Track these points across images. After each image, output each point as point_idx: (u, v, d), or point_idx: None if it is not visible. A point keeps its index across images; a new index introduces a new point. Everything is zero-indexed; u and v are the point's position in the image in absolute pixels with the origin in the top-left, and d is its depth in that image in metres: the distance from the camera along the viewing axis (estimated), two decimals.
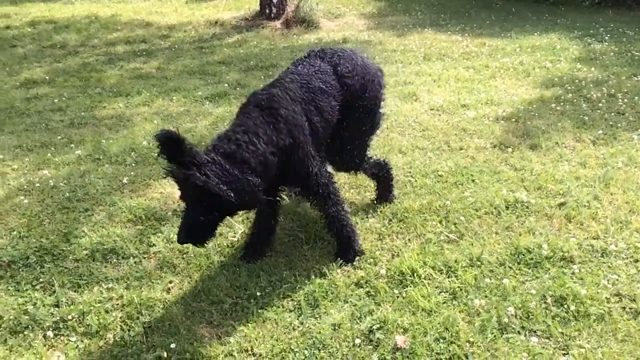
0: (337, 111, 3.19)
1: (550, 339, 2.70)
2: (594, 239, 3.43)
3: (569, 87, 6.00)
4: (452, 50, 7.66)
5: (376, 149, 4.62)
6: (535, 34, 8.42)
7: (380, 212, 3.73)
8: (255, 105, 2.90)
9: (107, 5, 11.17)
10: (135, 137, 4.94)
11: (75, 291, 3.07)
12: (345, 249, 3.28)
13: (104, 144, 4.80)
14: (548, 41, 7.95)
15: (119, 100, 5.99)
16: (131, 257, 3.34)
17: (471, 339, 2.69)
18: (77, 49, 8.22)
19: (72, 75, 6.91)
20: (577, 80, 6.20)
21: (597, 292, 2.95)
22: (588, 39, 8.04)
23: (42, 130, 5.22)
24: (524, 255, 3.27)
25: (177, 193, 3.91)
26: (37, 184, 4.15)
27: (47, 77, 6.83)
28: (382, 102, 3.44)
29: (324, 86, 3.11)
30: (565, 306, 2.87)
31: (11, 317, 2.87)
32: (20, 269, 3.25)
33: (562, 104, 5.55)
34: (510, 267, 3.19)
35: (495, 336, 2.71)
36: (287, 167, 2.93)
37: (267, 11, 9.61)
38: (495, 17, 9.83)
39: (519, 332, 2.74)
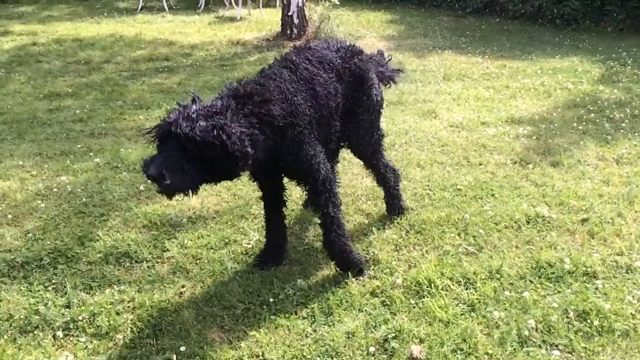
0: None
1: (573, 353, 2.60)
2: (618, 255, 3.32)
3: (591, 108, 5.92)
4: (472, 71, 7.63)
5: (394, 162, 4.55)
6: (557, 57, 8.37)
7: (398, 223, 3.67)
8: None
9: (132, 25, 11.38)
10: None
11: (87, 293, 3.04)
12: (346, 262, 3.13)
13: (123, 152, 4.82)
14: (570, 64, 7.89)
15: (140, 113, 6.05)
16: (144, 262, 3.32)
17: (490, 351, 2.60)
18: (101, 65, 8.35)
19: (94, 89, 7.01)
20: (599, 101, 6.12)
21: (622, 308, 2.84)
22: (610, 62, 7.95)
23: (62, 140, 5.27)
24: (545, 269, 3.17)
25: (194, 200, 3.93)
26: (55, 189, 4.17)
27: (70, 90, 6.94)
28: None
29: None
30: (589, 321, 2.76)
31: (22, 317, 2.85)
32: (34, 270, 3.23)
33: (584, 123, 5.46)
34: (531, 281, 3.09)
35: (515, 349, 2.61)
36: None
37: (289, 32, 9.71)
38: (515, 41, 9.81)
39: (539, 345, 2.64)
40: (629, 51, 8.68)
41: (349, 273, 3.13)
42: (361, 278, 3.13)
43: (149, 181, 2.56)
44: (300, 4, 9.64)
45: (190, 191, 2.56)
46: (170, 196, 2.59)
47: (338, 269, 3.17)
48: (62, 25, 11.38)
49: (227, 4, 12.57)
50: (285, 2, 9.70)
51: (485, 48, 9.15)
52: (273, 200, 3.21)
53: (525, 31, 10.80)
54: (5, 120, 5.84)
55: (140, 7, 13.15)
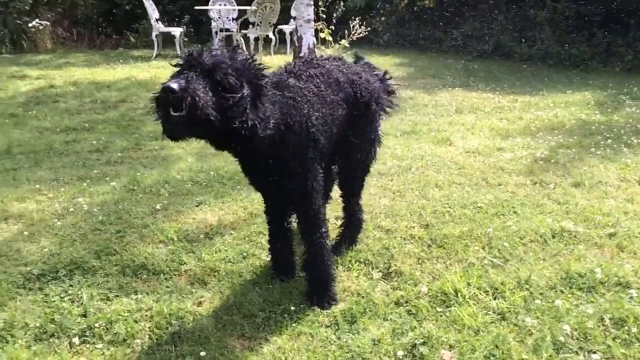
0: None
1: (612, 359, 2.47)
2: None
3: (608, 135, 5.90)
4: (484, 104, 7.67)
5: (411, 183, 4.53)
6: (568, 92, 8.42)
7: (419, 238, 3.59)
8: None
9: (147, 70, 11.62)
10: (169, 172, 4.95)
11: (104, 302, 2.96)
12: (319, 291, 2.93)
13: (139, 177, 4.81)
14: (581, 97, 7.92)
15: (156, 144, 6.07)
16: (162, 274, 3.24)
17: (525, 357, 2.48)
18: (117, 104, 8.46)
19: (111, 124, 7.08)
20: (615, 129, 6.10)
21: None
22: (622, 96, 7.99)
23: (78, 167, 5.28)
24: (575, 279, 3.07)
25: (211, 218, 3.88)
26: (72, 209, 4.14)
27: (86, 125, 7.00)
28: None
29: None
30: (626, 328, 2.65)
31: (37, 325, 2.75)
32: (49, 282, 3.16)
33: (602, 149, 5.43)
34: (561, 291, 2.99)
35: (550, 355, 2.49)
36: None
37: None
38: (524, 80, 9.90)
39: (576, 352, 2.52)
40: None
41: (371, 283, 3.06)
42: (384, 289, 3.05)
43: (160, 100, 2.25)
44: (311, 46, 9.83)
45: (205, 116, 2.18)
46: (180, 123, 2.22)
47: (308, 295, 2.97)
48: (78, 70, 11.62)
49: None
50: (297, 44, 9.90)
51: (496, 86, 9.23)
52: (276, 210, 3.09)
53: (534, 72, 10.91)
54: (22, 151, 5.87)
55: (155, 54, 13.47)
